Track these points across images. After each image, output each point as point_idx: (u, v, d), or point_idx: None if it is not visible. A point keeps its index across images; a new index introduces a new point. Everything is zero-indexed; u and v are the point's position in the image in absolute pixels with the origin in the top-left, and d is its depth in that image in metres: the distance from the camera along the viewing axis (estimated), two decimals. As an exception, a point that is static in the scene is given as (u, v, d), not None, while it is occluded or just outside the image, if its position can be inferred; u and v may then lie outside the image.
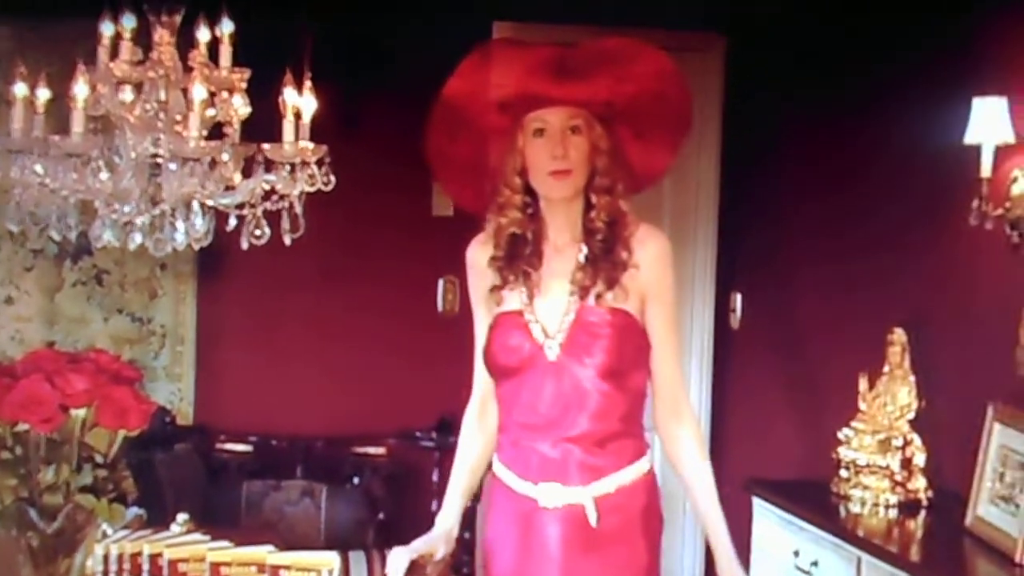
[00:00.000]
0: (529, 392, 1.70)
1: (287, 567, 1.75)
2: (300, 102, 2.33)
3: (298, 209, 2.40)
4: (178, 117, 2.21)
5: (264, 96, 2.28)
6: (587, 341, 1.67)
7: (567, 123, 1.72)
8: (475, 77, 1.70)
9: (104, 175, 2.13)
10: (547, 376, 1.70)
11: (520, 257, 1.74)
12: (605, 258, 1.71)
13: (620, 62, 1.70)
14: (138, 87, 2.22)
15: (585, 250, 1.73)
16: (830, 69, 2.94)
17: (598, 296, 1.71)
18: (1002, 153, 2.27)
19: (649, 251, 1.73)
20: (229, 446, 3.24)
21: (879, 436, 2.49)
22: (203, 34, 2.26)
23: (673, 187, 3.48)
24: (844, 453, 2.57)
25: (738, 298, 3.50)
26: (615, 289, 1.70)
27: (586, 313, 1.69)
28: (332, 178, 2.35)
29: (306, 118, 2.34)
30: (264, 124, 2.33)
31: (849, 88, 2.85)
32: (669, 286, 1.74)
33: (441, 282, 3.54)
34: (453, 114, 1.72)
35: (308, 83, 2.33)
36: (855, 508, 2.43)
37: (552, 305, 1.72)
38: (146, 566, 1.77)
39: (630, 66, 1.71)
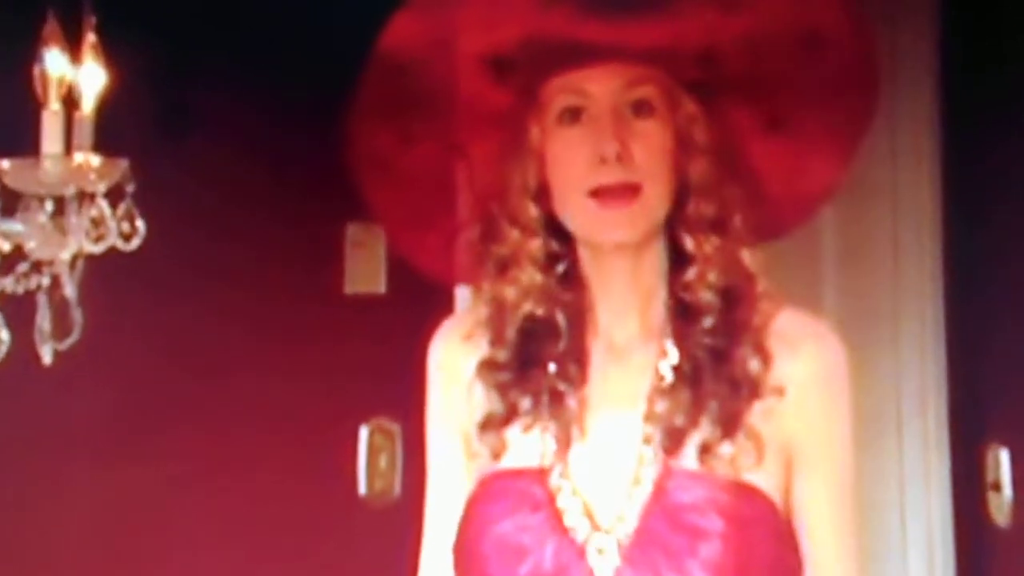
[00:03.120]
0: None
1: None
2: (76, 76, 2.49)
3: (70, 291, 2.46)
4: None
5: (2, 66, 2.45)
6: (678, 545, 1.68)
7: (626, 95, 1.76)
8: (442, 11, 1.76)
9: None
10: None
11: (542, 361, 1.77)
12: (716, 370, 1.73)
13: None
14: None
15: (674, 352, 1.76)
16: None
17: (704, 451, 1.72)
18: None
19: (806, 359, 1.76)
20: None
21: None
22: None
23: (841, 220, 3.47)
24: None
25: (1003, 460, 3.28)
26: (738, 438, 1.71)
27: (677, 486, 1.71)
28: (141, 227, 2.49)
29: (87, 106, 2.49)
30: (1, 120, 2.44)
31: None
32: (841, 435, 1.78)
33: (364, 432, 3.56)
34: (404, 85, 1.78)
35: (92, 39, 2.49)
36: None
37: (606, 462, 1.74)
38: None
39: None
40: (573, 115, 1.75)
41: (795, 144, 1.82)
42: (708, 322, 1.74)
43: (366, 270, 3.52)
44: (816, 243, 3.44)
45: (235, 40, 3.45)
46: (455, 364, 1.83)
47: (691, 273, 1.75)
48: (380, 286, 3.48)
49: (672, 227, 1.78)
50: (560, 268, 1.78)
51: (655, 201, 1.75)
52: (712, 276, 1.74)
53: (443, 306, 3.19)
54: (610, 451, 1.73)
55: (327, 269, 3.55)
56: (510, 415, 1.76)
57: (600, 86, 1.74)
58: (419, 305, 3.07)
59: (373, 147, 1.81)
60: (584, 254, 1.79)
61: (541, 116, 1.77)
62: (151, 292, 3.19)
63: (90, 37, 2.46)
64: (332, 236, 3.53)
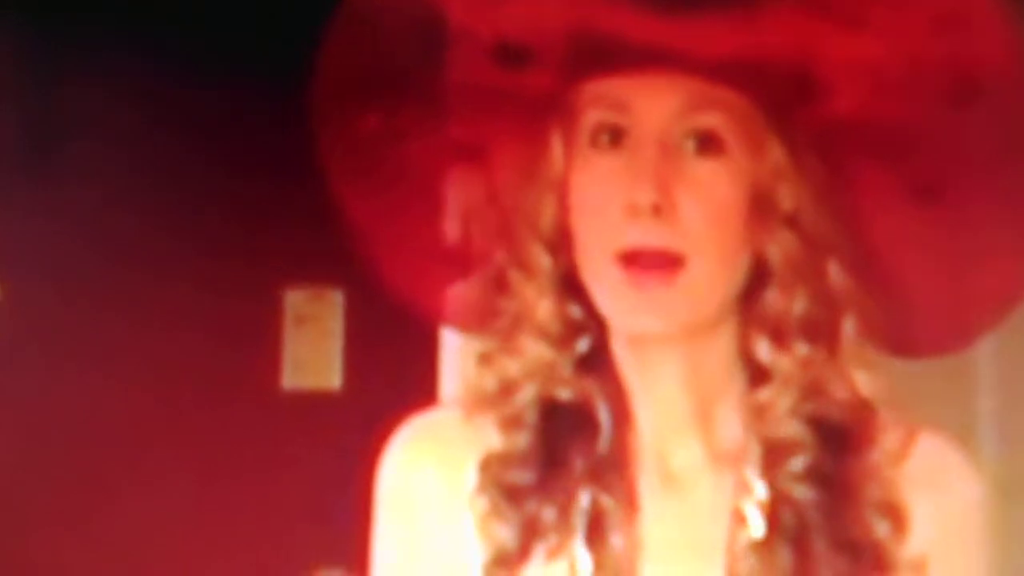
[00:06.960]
0: None
1: None
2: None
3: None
4: None
5: None
6: None
7: (684, 120, 1.61)
8: None
9: None
10: None
11: (570, 462, 1.63)
12: (828, 530, 1.61)
13: None
14: None
15: (761, 488, 1.63)
16: None
17: None
18: None
19: (947, 509, 1.64)
20: None
21: None
22: None
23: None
24: None
25: None
26: None
27: None
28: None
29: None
30: None
31: None
32: None
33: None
34: (388, 52, 1.64)
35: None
36: None
37: None
38: None
39: None
40: (613, 135, 1.59)
41: (959, 221, 1.64)
42: (797, 465, 1.59)
43: (313, 356, 3.29)
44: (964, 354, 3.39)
45: (130, 29, 3.20)
46: (429, 480, 1.64)
47: (765, 393, 1.61)
48: (333, 378, 3.23)
49: (745, 323, 1.63)
50: (582, 345, 1.61)
51: (706, 282, 1.58)
52: (790, 401, 1.60)
53: (423, 407, 2.88)
54: None
55: (258, 355, 3.30)
56: (528, 540, 1.58)
57: (649, 102, 1.59)
58: (387, 406, 2.71)
59: (345, 128, 1.65)
60: (618, 338, 1.63)
61: (569, 130, 1.61)
62: (5, 390, 2.90)
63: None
64: (265, 307, 3.26)
